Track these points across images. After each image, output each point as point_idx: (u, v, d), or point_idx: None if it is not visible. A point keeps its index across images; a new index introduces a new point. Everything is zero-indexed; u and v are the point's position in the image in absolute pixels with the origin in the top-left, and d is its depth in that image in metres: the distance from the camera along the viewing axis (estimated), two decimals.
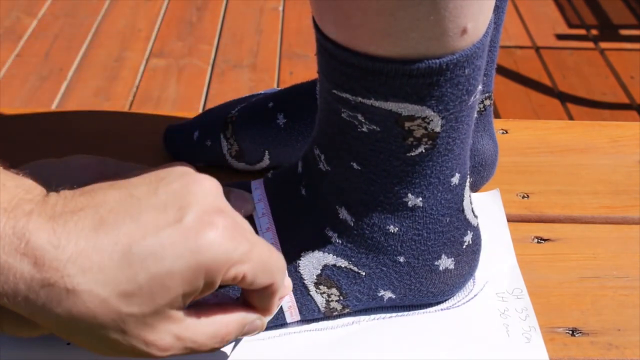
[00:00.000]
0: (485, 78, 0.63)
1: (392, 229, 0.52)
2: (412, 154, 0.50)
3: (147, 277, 0.38)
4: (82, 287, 0.37)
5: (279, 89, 0.70)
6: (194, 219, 0.39)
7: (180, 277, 0.39)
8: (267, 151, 0.67)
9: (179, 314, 0.41)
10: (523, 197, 0.69)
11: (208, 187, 0.42)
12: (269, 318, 0.47)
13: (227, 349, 0.52)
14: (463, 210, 0.54)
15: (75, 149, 0.58)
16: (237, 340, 0.51)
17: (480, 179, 0.68)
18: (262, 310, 0.46)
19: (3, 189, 0.38)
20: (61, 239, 0.37)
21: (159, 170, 0.43)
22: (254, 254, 0.42)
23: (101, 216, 0.39)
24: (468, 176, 0.54)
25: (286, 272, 0.46)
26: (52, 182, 0.41)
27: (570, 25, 2.26)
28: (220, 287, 0.42)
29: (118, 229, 0.38)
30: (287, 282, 0.48)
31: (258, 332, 0.47)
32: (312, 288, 0.53)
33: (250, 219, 0.55)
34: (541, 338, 0.54)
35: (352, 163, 0.51)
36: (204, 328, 0.42)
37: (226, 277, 0.41)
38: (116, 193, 0.40)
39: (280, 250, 0.53)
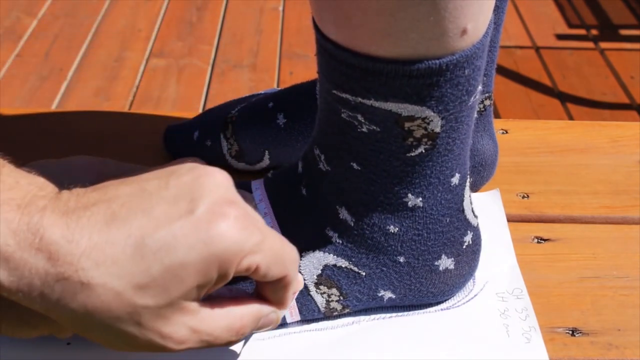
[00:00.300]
0: (485, 78, 0.63)
1: (392, 229, 0.52)
2: (412, 154, 0.50)
3: (161, 269, 0.38)
4: (96, 281, 0.37)
5: (279, 89, 0.70)
6: (206, 210, 0.40)
7: (194, 268, 0.39)
8: (267, 151, 0.67)
9: (194, 306, 0.41)
10: (523, 197, 0.69)
11: (219, 179, 0.42)
12: (284, 312, 0.47)
13: (236, 348, 0.51)
14: (463, 210, 0.54)
15: (75, 149, 0.59)
16: (245, 339, 0.51)
17: (480, 179, 0.68)
18: (277, 303, 0.46)
19: (17, 186, 0.39)
20: (75, 233, 0.38)
21: (170, 165, 0.43)
22: (266, 244, 0.42)
23: (113, 211, 0.39)
24: (468, 176, 0.54)
25: (298, 265, 0.46)
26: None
27: (570, 25, 2.26)
28: (235, 281, 0.42)
29: (130, 223, 0.38)
30: (299, 278, 0.48)
31: (273, 326, 0.47)
32: (312, 288, 0.53)
33: None
34: (541, 338, 0.54)
35: (352, 163, 0.51)
36: (220, 321, 0.42)
37: (239, 268, 0.41)
38: (127, 188, 0.40)
39: None
